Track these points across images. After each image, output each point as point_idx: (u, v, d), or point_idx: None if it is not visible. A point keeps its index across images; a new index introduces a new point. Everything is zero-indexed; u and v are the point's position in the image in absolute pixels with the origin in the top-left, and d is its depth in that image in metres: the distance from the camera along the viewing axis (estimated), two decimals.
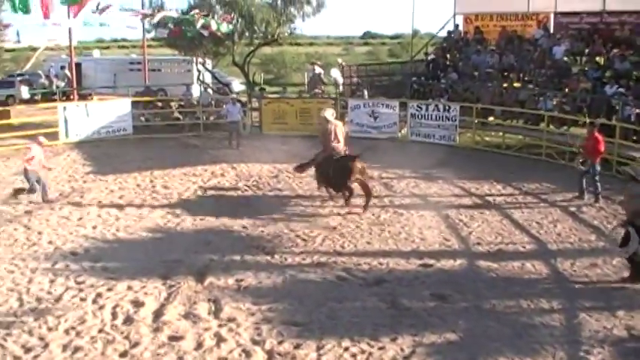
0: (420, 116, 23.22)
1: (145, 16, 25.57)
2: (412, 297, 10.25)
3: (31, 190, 16.02)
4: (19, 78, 39.18)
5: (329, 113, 16.00)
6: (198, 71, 34.04)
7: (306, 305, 9.90)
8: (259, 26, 27.92)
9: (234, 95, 25.20)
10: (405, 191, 17.05)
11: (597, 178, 15.70)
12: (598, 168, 15.74)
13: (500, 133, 22.64)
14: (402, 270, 11.46)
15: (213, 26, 25.84)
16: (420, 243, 12.93)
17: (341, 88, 29.58)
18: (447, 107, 22.77)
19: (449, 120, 22.51)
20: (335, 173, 15.00)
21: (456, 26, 29.94)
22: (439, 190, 17.08)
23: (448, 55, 28.21)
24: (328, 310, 9.75)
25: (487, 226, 13.98)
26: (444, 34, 30.57)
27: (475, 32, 28.98)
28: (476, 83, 24.65)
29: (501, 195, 16.76)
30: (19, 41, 46.80)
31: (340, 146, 15.46)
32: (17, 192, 16.30)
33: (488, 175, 18.39)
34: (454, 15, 29.94)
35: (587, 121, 18.05)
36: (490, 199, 16.32)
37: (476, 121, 22.60)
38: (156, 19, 25.71)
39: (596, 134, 15.89)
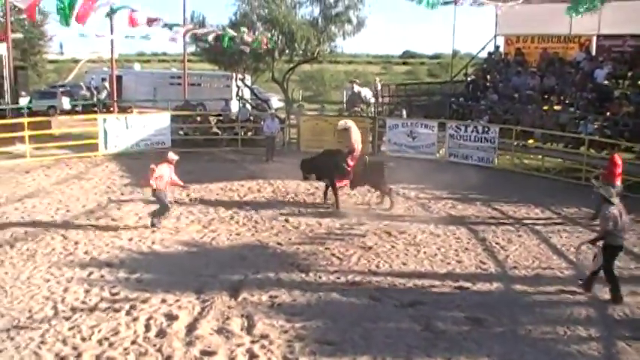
0: (458, 137, 23.10)
1: (187, 31, 25.79)
2: (447, 320, 10.14)
3: (166, 209, 15.39)
4: (60, 89, 39.78)
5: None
6: (238, 87, 34.25)
7: (340, 324, 9.84)
8: (299, 44, 28.03)
9: (274, 111, 25.23)
10: (441, 212, 16.93)
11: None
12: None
13: (540, 156, 22.41)
14: (438, 292, 11.35)
15: (248, 39, 25.96)
16: (456, 265, 12.80)
17: (372, 107, 29.55)
18: (486, 129, 22.62)
19: (488, 141, 22.34)
20: (367, 174, 17.24)
21: (497, 47, 29.84)
22: (476, 212, 16.94)
23: (488, 76, 28.09)
24: (362, 330, 9.67)
25: (524, 250, 13.80)
26: (484, 54, 30.48)
27: (516, 54, 28.83)
28: (516, 105, 24.47)
29: (539, 219, 16.56)
30: (62, 53, 47.65)
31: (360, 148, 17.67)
32: (154, 216, 15.35)
33: (526, 199, 18.19)
34: (495, 36, 29.85)
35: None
36: (528, 222, 16.12)
37: (515, 144, 22.41)
38: (198, 32, 25.90)
39: (616, 157, 16.09)
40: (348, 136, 17.52)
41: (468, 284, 11.72)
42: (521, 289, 11.58)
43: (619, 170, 15.86)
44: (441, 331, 9.71)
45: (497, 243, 14.26)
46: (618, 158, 16.17)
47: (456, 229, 15.27)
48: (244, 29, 26.39)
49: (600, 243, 11.17)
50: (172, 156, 15.64)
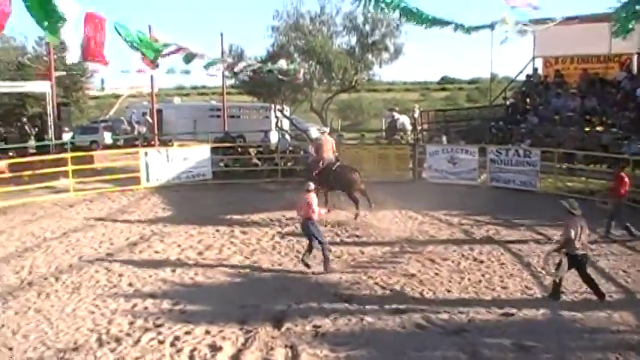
0: (499, 161, 22.88)
1: (228, 66, 26.01)
2: (493, 347, 9.99)
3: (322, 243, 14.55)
4: (102, 124, 40.41)
5: (314, 132, 18.32)
6: (277, 118, 34.41)
7: (385, 354, 9.76)
8: (337, 73, 28.12)
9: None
10: (485, 238, 16.74)
11: (615, 216, 16.43)
12: (621, 207, 16.46)
13: (583, 178, 22.10)
14: (483, 319, 11.19)
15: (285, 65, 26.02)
16: (501, 291, 12.62)
17: (409, 134, 29.45)
18: (527, 152, 22.39)
19: (530, 165, 22.10)
20: (337, 182, 18.95)
21: (535, 70, 29.64)
22: (520, 237, 16.70)
23: (528, 99, 27.84)
24: (407, 359, 9.57)
25: (571, 275, 13.48)
26: (522, 77, 30.28)
27: (555, 75, 28.60)
28: (557, 127, 24.21)
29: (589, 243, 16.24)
30: (103, 89, 48.33)
31: (330, 156, 19.58)
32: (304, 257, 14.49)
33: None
34: (533, 58, 29.65)
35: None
36: None
37: (558, 166, 22.15)
38: (237, 68, 26.11)
39: (622, 175, 16.65)
40: (316, 147, 20.25)
41: (513, 310, 11.54)
42: (568, 314, 11.37)
43: (625, 188, 16.49)
44: (487, 359, 9.56)
45: (542, 268, 14.01)
46: (625, 176, 16.70)
47: (500, 254, 15.08)
48: (282, 62, 26.53)
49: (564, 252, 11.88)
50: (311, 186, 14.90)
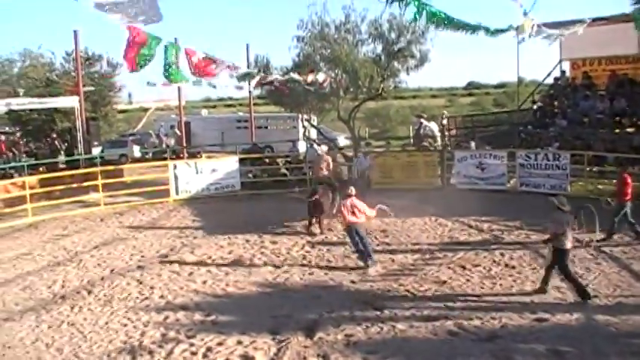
0: (529, 166, 22.71)
1: (259, 83, 26.01)
2: (527, 353, 9.88)
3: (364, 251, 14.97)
4: (131, 137, 40.81)
5: (320, 149, 21.45)
6: (304, 127, 34.43)
7: None
8: (363, 81, 28.05)
9: (365, 149, 24.90)
10: (515, 243, 16.59)
11: (617, 219, 16.49)
12: (626, 209, 16.39)
13: (614, 181, 21.83)
14: (516, 325, 11.08)
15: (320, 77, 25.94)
16: (534, 297, 12.48)
17: (438, 140, 29.34)
18: (556, 156, 22.20)
19: (559, 169, 21.91)
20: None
21: (563, 72, 29.40)
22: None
23: (556, 102, 27.62)
24: None
25: (604, 278, 13.40)
26: (550, 80, 30.05)
27: (583, 77, 28.32)
28: (586, 130, 24.00)
29: (619, 245, 16.06)
30: (131, 102, 48.89)
31: (324, 173, 20.42)
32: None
33: (603, 225, 17.66)
34: (560, 61, 29.42)
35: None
36: (607, 249, 15.66)
37: (588, 169, 21.93)
38: (264, 82, 26.11)
39: (625, 176, 16.69)
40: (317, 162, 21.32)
41: (546, 316, 11.40)
42: (603, 319, 11.21)
43: (629, 189, 16.42)
44: None
45: (575, 272, 13.84)
46: (628, 177, 16.70)
47: (532, 259, 14.94)
48: (320, 75, 26.51)
49: (551, 246, 12.41)
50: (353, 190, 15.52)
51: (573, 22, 19.48)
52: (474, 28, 14.92)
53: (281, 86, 25.85)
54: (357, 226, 14.83)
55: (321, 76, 25.90)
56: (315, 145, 31.40)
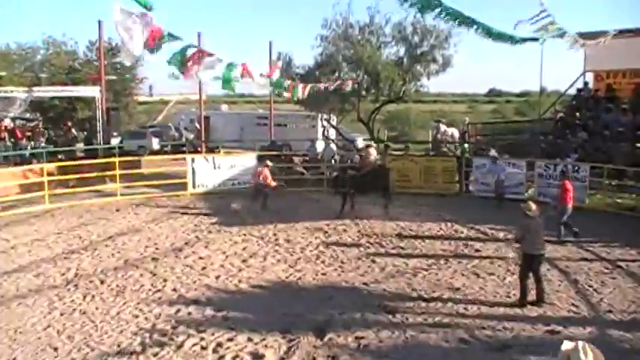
0: (547, 176, 22.55)
1: (291, 86, 25.97)
2: None
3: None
4: (150, 130, 40.83)
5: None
6: (323, 127, 34.41)
7: None
8: (384, 84, 28.03)
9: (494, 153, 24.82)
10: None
11: (563, 221, 17.64)
12: (566, 214, 17.66)
13: (634, 195, 21.67)
14: (528, 336, 10.99)
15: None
16: (547, 308, 12.37)
17: (457, 146, 29.22)
18: (576, 167, 22.02)
19: (578, 181, 21.68)
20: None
21: (586, 84, 29.23)
22: (567, 254, 16.40)
23: (577, 114, 27.43)
24: None
25: (619, 293, 13.27)
26: (573, 91, 29.90)
27: (606, 90, 28.13)
28: (607, 143, 23.80)
29: (635, 260, 15.87)
30: (151, 94, 48.99)
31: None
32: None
33: (620, 239, 17.56)
34: (584, 72, 29.27)
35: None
36: (623, 264, 15.48)
37: (607, 182, 21.75)
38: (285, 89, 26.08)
39: (566, 183, 17.96)
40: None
41: (559, 328, 11.29)
42: (617, 334, 11.09)
43: (570, 194, 17.70)
44: None
45: (590, 285, 13.75)
46: (568, 184, 18.00)
47: (547, 270, 14.79)
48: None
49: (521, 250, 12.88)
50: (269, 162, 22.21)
51: (598, 34, 19.34)
52: (499, 36, 14.80)
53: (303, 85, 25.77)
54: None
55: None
56: (360, 140, 31.62)
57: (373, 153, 21.89)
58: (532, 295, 12.59)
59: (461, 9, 12.67)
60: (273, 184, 22.22)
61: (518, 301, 12.60)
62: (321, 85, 25.68)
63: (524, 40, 16.75)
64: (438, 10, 12.53)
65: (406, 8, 12.24)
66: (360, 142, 35.88)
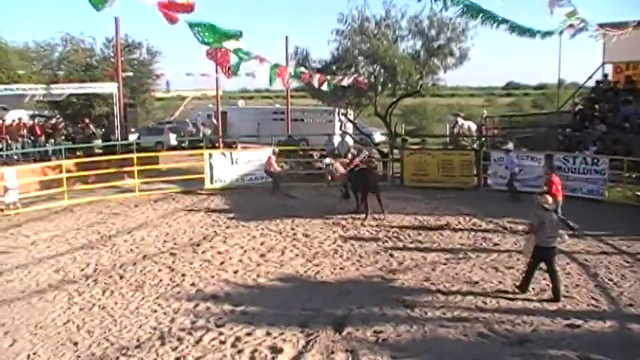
0: (566, 169, 22.35)
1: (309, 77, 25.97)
2: (557, 359, 9.71)
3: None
4: (167, 126, 40.99)
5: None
6: (340, 121, 34.38)
7: None
8: (401, 78, 27.89)
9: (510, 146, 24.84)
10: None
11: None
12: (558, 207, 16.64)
13: None
14: (547, 330, 10.92)
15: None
16: (567, 302, 12.28)
17: (475, 139, 29.07)
18: (595, 160, 21.85)
19: (597, 173, 21.56)
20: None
21: (605, 76, 28.99)
22: (587, 247, 16.28)
23: (596, 106, 27.23)
24: None
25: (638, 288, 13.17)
26: (591, 83, 29.68)
27: (626, 81, 27.89)
28: (627, 135, 23.61)
29: None
30: (168, 90, 49.08)
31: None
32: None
33: None
34: (603, 64, 29.07)
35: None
36: None
37: (627, 175, 21.57)
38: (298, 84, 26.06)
39: (553, 177, 17.47)
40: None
41: (579, 322, 11.22)
42: (637, 328, 10.99)
43: (557, 188, 17.12)
44: None
45: (610, 279, 13.64)
46: (555, 177, 17.57)
47: (566, 264, 14.72)
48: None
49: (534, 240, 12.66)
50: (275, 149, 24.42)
51: (618, 25, 19.14)
52: (521, 29, 14.69)
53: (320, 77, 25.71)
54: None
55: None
56: (377, 134, 31.59)
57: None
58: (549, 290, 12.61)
59: (480, 2, 12.64)
60: (278, 168, 24.18)
61: (519, 288, 12.85)
62: (336, 81, 25.68)
63: (545, 33, 16.63)
64: (461, 7, 12.48)
65: (426, 3, 12.21)
66: (378, 137, 35.84)
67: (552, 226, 12.49)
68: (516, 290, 12.79)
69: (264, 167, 24.44)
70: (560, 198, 17.05)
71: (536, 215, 12.53)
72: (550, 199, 12.86)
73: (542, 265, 13.52)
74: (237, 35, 15.10)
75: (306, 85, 27.05)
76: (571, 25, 15.03)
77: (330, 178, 21.46)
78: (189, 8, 14.94)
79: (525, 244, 13.34)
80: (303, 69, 24.60)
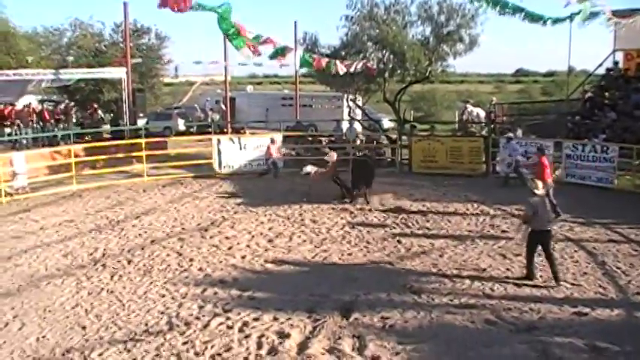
0: (575, 157, 22.29)
1: (318, 62, 25.96)
2: (564, 347, 9.69)
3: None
4: (176, 111, 41.00)
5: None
6: (349, 107, 34.31)
7: (453, 348, 9.60)
8: (410, 64, 27.80)
9: (519, 134, 24.80)
10: (558, 235, 16.25)
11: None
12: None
13: None
14: (555, 317, 10.90)
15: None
16: (574, 289, 12.27)
17: (484, 126, 28.97)
18: (605, 148, 21.74)
19: (607, 161, 21.47)
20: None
21: (616, 63, 28.84)
22: (595, 235, 16.24)
23: (606, 94, 27.10)
24: (476, 354, 9.41)
25: None
26: (601, 71, 29.54)
27: (636, 69, 27.76)
28: (637, 123, 23.49)
29: None
30: (177, 76, 48.96)
31: None
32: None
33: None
34: (614, 51, 28.88)
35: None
36: None
37: (636, 163, 21.48)
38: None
39: (543, 159, 17.54)
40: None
41: (586, 310, 11.18)
42: None
43: (547, 170, 17.39)
44: (558, 359, 9.31)
45: (618, 267, 13.60)
46: (545, 159, 17.66)
47: (574, 252, 14.70)
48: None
49: (528, 228, 12.86)
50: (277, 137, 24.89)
51: (631, 11, 19.04)
52: (533, 17, 14.66)
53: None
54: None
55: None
56: (386, 120, 31.55)
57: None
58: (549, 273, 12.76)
59: None
60: (277, 155, 24.81)
61: (527, 277, 12.83)
62: (345, 65, 25.72)
63: (556, 20, 16.55)
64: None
65: None
66: (387, 123, 35.77)
67: (545, 211, 12.70)
68: (525, 280, 12.72)
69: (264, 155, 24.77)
70: (549, 180, 17.12)
71: (528, 204, 12.64)
72: (540, 183, 13.00)
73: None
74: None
75: (315, 71, 27.07)
76: (591, 14, 14.99)
77: (309, 187, 21.05)
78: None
79: (519, 232, 13.97)
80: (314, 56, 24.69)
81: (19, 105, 30.54)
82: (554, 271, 12.59)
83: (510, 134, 23.52)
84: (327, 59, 25.98)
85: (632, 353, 9.48)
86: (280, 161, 25.00)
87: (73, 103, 34.44)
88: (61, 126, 29.65)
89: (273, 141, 24.47)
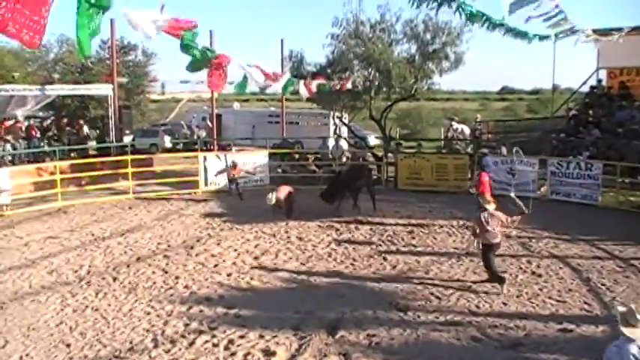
0: (560, 174, 22.44)
1: (307, 84, 25.99)
2: None
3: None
4: (162, 128, 41.02)
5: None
6: (335, 125, 34.39)
7: None
8: (396, 81, 27.91)
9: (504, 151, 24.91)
10: (543, 252, 16.39)
11: None
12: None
13: None
14: (540, 334, 10.94)
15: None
16: (559, 306, 12.33)
17: (469, 143, 29.12)
18: (589, 165, 21.89)
19: (591, 178, 21.62)
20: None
21: (599, 81, 29.07)
22: (580, 252, 16.33)
23: (591, 111, 27.31)
24: None
25: (633, 292, 13.19)
26: (586, 89, 29.77)
27: (620, 87, 27.99)
28: (620, 140, 23.67)
29: None
30: (163, 93, 49.08)
31: None
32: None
33: (633, 238, 17.43)
34: (597, 69, 29.14)
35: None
36: (636, 262, 15.38)
37: (620, 180, 21.63)
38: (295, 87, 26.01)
39: (482, 175, 18.82)
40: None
41: (572, 326, 11.25)
42: None
43: (485, 187, 18.05)
44: None
45: (602, 284, 13.68)
46: (485, 176, 18.90)
47: (559, 268, 14.78)
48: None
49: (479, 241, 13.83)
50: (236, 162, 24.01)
51: (612, 31, 19.22)
52: (516, 34, 14.77)
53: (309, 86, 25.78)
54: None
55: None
56: (372, 137, 31.55)
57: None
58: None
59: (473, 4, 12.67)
60: (235, 173, 23.94)
61: (496, 284, 13.24)
62: (331, 84, 25.87)
63: (540, 37, 16.69)
64: (455, 6, 12.52)
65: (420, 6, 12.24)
66: (373, 140, 35.85)
67: (494, 225, 13.12)
68: (496, 286, 13.16)
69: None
70: (487, 196, 16.78)
71: (476, 218, 13.27)
72: (490, 198, 13.83)
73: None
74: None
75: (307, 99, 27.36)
76: (563, 32, 15.14)
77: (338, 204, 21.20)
78: (192, 26, 15.21)
79: (470, 246, 15.73)
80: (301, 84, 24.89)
81: (13, 120, 30.41)
82: (493, 274, 13.34)
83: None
84: (316, 82, 26.03)
85: None
86: (242, 179, 24.73)
87: (66, 119, 34.32)
88: (46, 141, 29.48)
89: (234, 165, 23.94)
